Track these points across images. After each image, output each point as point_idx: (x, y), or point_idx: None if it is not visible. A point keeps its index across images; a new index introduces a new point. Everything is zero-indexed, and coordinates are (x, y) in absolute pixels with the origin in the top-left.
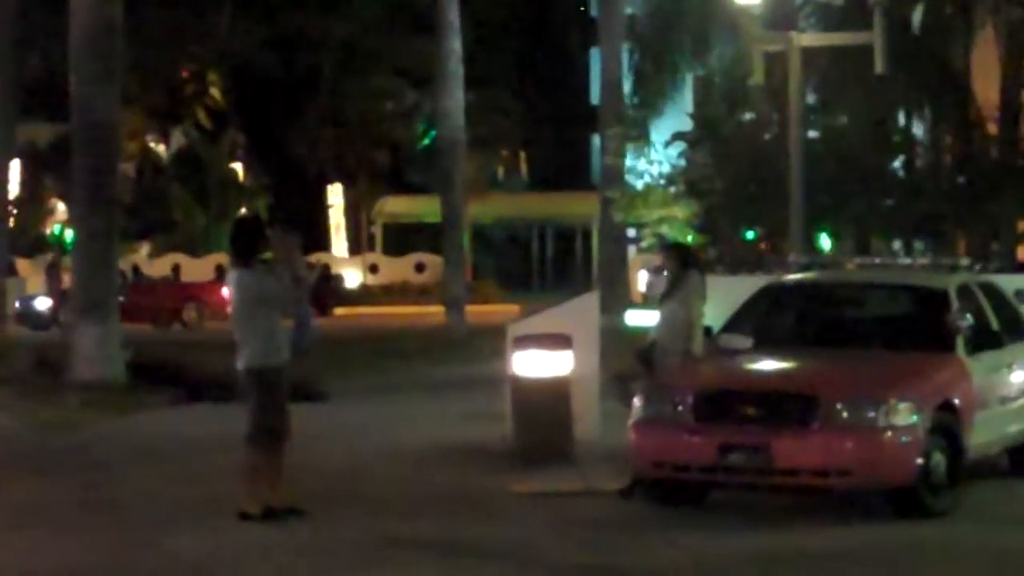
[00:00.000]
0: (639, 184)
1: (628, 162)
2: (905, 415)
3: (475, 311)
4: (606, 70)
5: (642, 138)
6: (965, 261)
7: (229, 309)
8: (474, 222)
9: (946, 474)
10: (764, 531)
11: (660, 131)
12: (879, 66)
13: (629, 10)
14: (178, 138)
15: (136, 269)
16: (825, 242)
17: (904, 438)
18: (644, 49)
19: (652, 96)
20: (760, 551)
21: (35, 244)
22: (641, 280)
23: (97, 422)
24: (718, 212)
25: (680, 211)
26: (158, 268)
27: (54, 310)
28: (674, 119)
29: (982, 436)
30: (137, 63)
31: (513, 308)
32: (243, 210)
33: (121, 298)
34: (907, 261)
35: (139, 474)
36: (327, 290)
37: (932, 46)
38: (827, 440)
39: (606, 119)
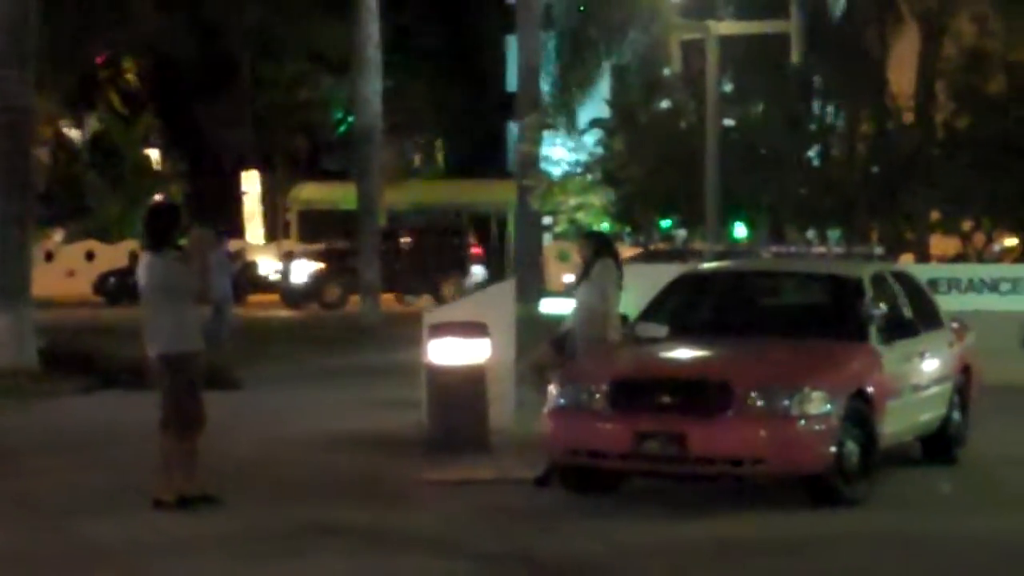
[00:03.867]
0: (555, 172)
1: (544, 150)
2: (819, 404)
3: (390, 298)
4: (523, 57)
5: (571, 126)
6: (879, 250)
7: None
8: (390, 209)
9: (859, 462)
10: (680, 519)
11: (578, 118)
12: (795, 55)
13: None
14: (92, 123)
15: (48, 255)
16: (740, 230)
17: (818, 426)
18: (562, 37)
19: (571, 84)
20: (676, 539)
21: None
22: (297, 272)
23: (8, 410)
24: (634, 200)
25: (597, 198)
26: (72, 254)
27: None
28: (592, 106)
29: (895, 424)
30: (51, 47)
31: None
32: (158, 196)
33: None
34: (821, 250)
35: (51, 462)
36: (243, 278)
37: (849, 36)
38: (741, 428)
39: (523, 106)
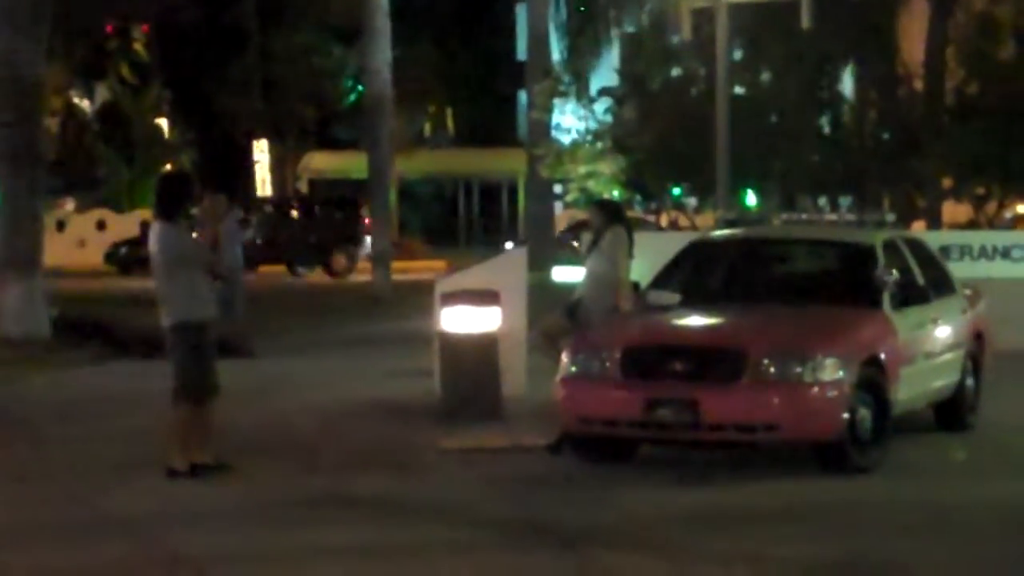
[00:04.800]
0: (566, 140)
1: (555, 118)
2: (831, 370)
3: (401, 267)
4: (533, 25)
5: (582, 92)
6: (891, 217)
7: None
8: (400, 178)
9: (872, 429)
10: (692, 487)
11: (589, 85)
12: (805, 21)
13: None
14: (102, 93)
15: (60, 225)
16: (751, 198)
17: (830, 393)
18: (572, 4)
19: (581, 52)
20: (687, 507)
21: None
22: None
23: (21, 379)
24: (645, 168)
25: (607, 167)
26: (83, 224)
27: None
28: (602, 74)
29: (908, 391)
30: (61, 17)
31: (439, 264)
32: (168, 165)
33: None
34: (833, 217)
35: (64, 431)
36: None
37: (860, 2)
38: (754, 395)
39: (533, 74)
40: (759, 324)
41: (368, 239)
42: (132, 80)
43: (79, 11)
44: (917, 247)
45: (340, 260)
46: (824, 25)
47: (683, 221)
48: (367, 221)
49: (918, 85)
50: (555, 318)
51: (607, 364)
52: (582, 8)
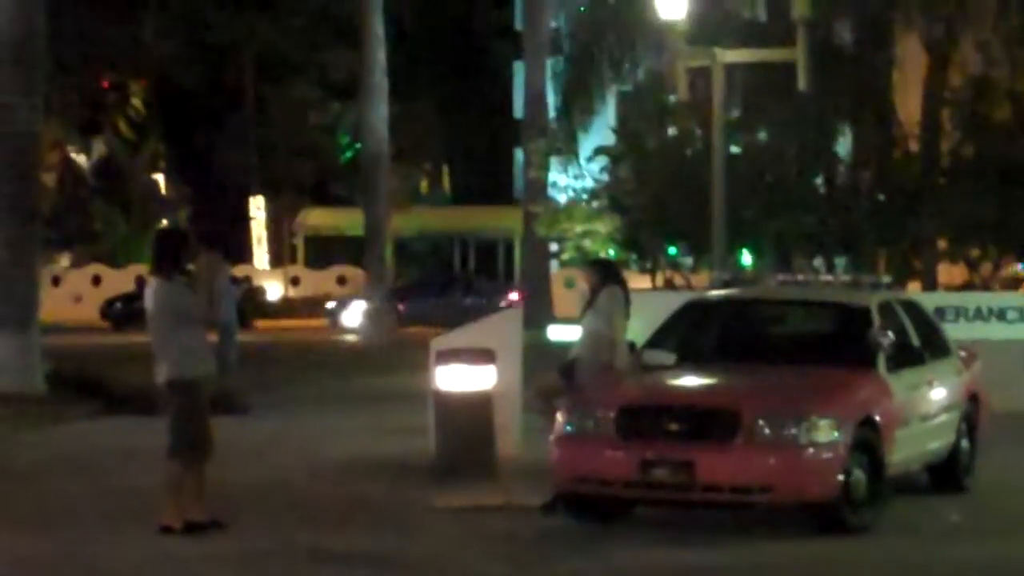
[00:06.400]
0: (562, 199)
1: (551, 176)
2: (826, 431)
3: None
4: (530, 84)
5: (570, 152)
6: (886, 278)
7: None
8: (396, 235)
9: (867, 490)
10: (687, 547)
11: (583, 146)
12: (801, 82)
13: (554, 24)
14: (99, 148)
15: (55, 280)
16: (746, 258)
17: (825, 454)
18: (568, 63)
19: (576, 111)
20: (682, 567)
21: None
22: None
23: (15, 434)
24: (641, 227)
25: (603, 226)
26: (79, 279)
27: None
28: (597, 133)
29: (903, 453)
30: (58, 72)
31: None
32: (164, 221)
33: None
34: (829, 278)
35: (58, 486)
36: (250, 303)
37: (856, 64)
38: (749, 456)
39: (529, 133)
40: (754, 385)
41: None
42: (129, 135)
43: (77, 66)
44: (912, 308)
45: None
46: (821, 86)
47: (679, 280)
48: None
49: (914, 146)
50: (551, 377)
51: (602, 424)
52: (582, 8)
